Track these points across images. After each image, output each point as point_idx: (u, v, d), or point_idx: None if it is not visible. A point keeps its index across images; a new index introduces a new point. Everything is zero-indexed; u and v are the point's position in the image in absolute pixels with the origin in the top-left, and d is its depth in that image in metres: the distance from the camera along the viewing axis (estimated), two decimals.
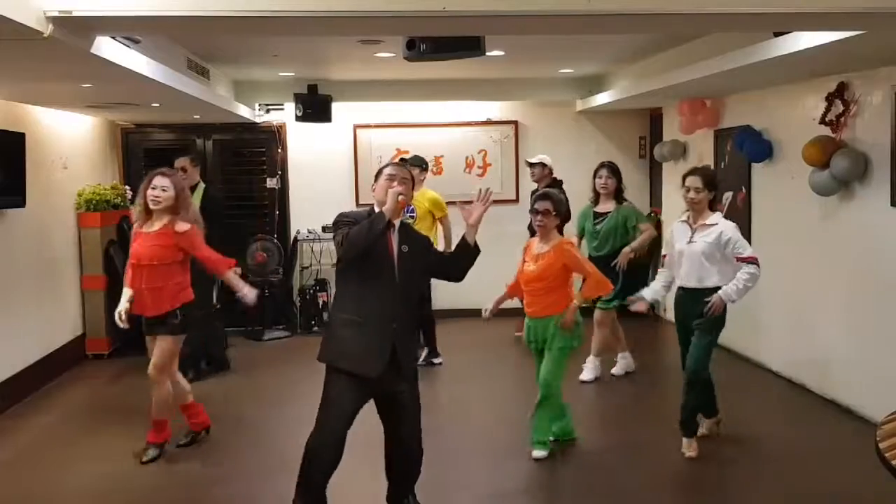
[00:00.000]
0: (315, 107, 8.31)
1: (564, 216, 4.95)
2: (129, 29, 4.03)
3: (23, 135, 6.03)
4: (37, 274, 6.49)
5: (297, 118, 8.35)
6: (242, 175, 9.05)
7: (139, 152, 8.50)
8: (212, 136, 8.87)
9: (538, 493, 4.53)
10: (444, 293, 8.93)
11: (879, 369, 5.23)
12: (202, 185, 6.81)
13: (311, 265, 8.93)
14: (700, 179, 4.68)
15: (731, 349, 7.28)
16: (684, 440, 4.81)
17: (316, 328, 8.47)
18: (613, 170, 6.31)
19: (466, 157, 9.17)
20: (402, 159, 7.07)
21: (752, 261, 4.62)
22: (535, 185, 7.23)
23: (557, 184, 6.93)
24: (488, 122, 9.22)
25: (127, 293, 4.78)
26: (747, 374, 6.75)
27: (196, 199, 6.45)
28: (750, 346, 7.03)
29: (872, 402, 5.16)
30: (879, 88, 5.18)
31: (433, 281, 8.79)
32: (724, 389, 6.23)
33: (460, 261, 3.81)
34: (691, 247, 4.69)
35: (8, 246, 6.11)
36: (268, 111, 8.82)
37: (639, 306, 5.06)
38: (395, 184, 3.61)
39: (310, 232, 8.78)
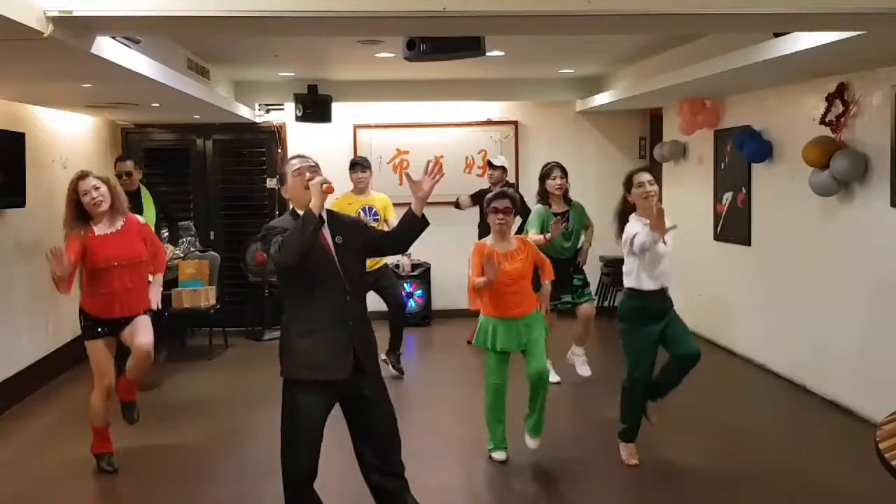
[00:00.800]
0: (315, 107, 8.31)
1: (521, 214, 5.18)
2: (129, 29, 4.03)
3: (23, 135, 6.03)
4: (37, 274, 6.48)
5: (297, 118, 8.35)
6: (242, 175, 9.04)
7: (139, 152, 8.47)
8: (212, 136, 8.87)
9: (548, 484, 4.54)
10: (443, 294, 9.02)
11: (879, 369, 5.23)
12: (142, 189, 6.83)
13: None
14: (650, 174, 4.60)
15: (731, 350, 7.29)
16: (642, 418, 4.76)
17: None
18: (564, 170, 6.41)
19: (466, 158, 9.17)
20: (353, 162, 6.87)
21: None
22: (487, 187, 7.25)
23: (512, 186, 7.06)
24: (488, 122, 9.23)
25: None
26: (747, 375, 6.75)
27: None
28: (750, 346, 7.02)
29: (872, 402, 5.16)
30: (879, 89, 5.18)
31: (432, 281, 8.98)
32: (725, 390, 6.28)
33: (405, 234, 3.67)
34: (668, 247, 4.51)
35: (8, 246, 6.11)
36: (268, 111, 8.82)
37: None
38: (308, 175, 3.50)
39: None
